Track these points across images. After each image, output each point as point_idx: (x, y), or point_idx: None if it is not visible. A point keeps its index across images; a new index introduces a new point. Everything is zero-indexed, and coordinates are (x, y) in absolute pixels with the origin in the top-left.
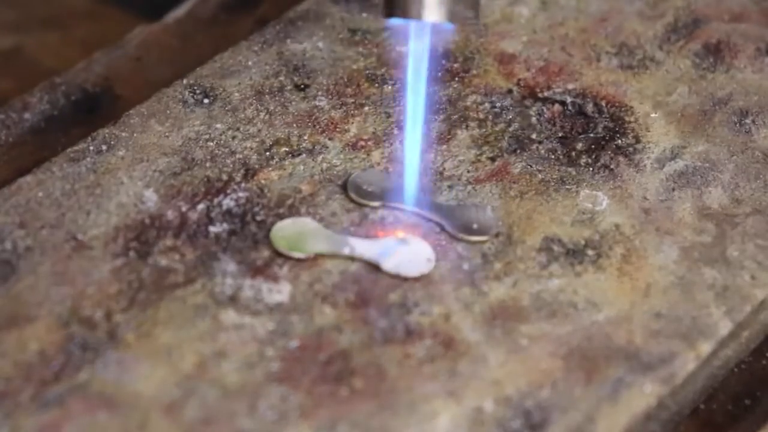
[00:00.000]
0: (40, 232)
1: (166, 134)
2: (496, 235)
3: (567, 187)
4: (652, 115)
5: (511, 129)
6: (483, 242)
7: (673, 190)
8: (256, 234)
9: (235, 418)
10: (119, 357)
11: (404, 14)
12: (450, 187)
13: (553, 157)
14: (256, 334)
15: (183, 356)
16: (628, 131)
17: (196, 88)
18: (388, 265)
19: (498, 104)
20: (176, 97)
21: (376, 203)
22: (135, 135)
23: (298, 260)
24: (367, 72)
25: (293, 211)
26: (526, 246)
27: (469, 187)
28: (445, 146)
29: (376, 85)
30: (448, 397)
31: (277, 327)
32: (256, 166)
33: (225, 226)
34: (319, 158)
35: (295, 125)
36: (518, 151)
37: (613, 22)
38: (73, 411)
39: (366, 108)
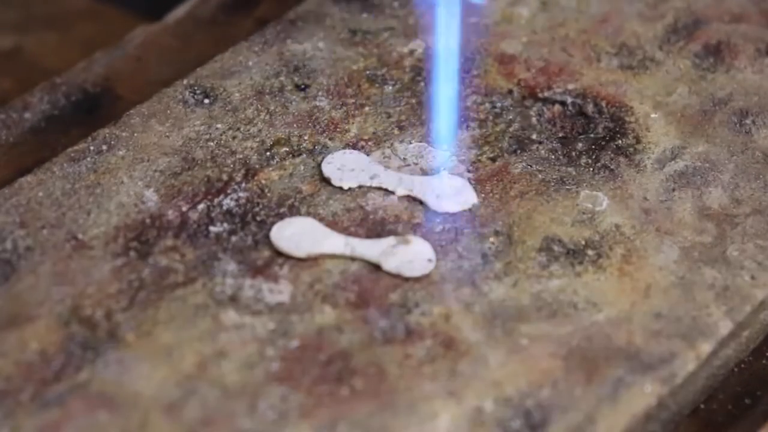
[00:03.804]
0: (40, 232)
1: (167, 134)
2: (497, 235)
3: (567, 187)
4: (653, 115)
5: (511, 129)
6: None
7: (674, 190)
8: (257, 234)
9: (235, 418)
10: (119, 357)
11: None
12: None
13: (553, 157)
14: (257, 333)
15: (183, 356)
16: (629, 131)
17: (196, 88)
18: (389, 265)
19: (498, 104)
20: (177, 97)
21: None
22: (135, 135)
23: (299, 260)
24: (368, 72)
25: (294, 211)
26: (526, 246)
27: None
28: (445, 146)
29: (377, 85)
30: (448, 397)
31: (278, 327)
32: (257, 166)
33: (225, 226)
34: (320, 158)
35: (295, 125)
36: (518, 152)
37: (613, 22)
38: (74, 411)
39: (366, 108)
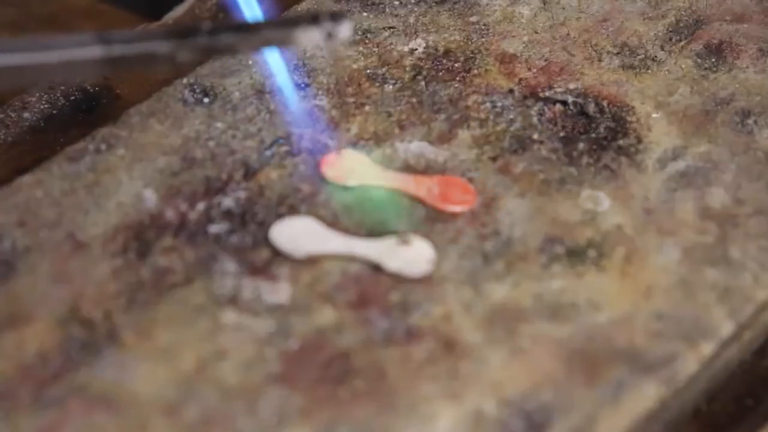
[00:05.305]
0: (39, 232)
1: (166, 133)
2: (497, 234)
3: (568, 187)
4: (654, 115)
5: (512, 129)
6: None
7: (675, 190)
8: (256, 234)
9: (235, 419)
10: (118, 357)
11: None
12: None
13: (554, 157)
14: (256, 334)
15: (182, 357)
16: (630, 131)
17: (196, 87)
18: (390, 265)
19: (499, 104)
20: (176, 96)
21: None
22: (134, 134)
23: (299, 260)
24: (368, 71)
25: (293, 211)
26: (527, 246)
27: None
28: (446, 146)
29: (377, 84)
30: (448, 399)
31: (277, 327)
32: (256, 166)
33: (225, 225)
34: (320, 158)
35: (295, 124)
36: (519, 151)
37: (614, 22)
38: (72, 411)
39: (366, 107)
